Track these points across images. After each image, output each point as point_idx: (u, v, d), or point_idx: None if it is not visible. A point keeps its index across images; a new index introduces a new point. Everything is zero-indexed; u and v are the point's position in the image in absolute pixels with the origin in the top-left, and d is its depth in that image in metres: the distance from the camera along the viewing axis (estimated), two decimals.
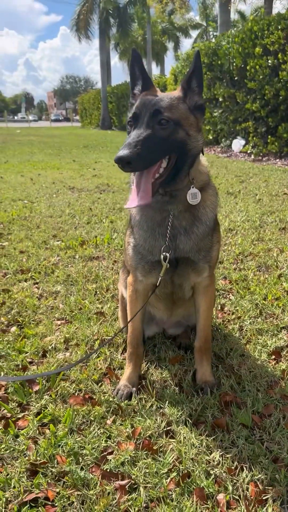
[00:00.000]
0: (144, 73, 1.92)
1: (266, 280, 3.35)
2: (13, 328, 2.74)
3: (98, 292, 3.23)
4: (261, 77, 11.11)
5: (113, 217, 5.43)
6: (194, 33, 48.95)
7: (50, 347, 2.48)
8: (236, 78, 12.59)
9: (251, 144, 12.23)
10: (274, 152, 11.41)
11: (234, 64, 12.42)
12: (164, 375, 2.22)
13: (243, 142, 12.65)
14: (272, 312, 2.85)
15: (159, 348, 2.49)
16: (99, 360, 2.36)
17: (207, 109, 14.17)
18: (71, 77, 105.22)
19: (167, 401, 1.99)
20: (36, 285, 3.42)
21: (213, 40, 15.57)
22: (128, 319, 2.21)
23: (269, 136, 11.38)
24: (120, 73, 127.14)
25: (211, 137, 14.71)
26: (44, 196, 6.90)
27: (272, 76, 10.81)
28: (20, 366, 2.32)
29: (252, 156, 11.87)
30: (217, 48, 13.45)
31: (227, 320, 2.78)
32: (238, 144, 12.73)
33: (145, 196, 1.69)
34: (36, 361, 2.38)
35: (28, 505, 1.50)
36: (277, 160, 11.06)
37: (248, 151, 12.30)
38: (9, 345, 2.50)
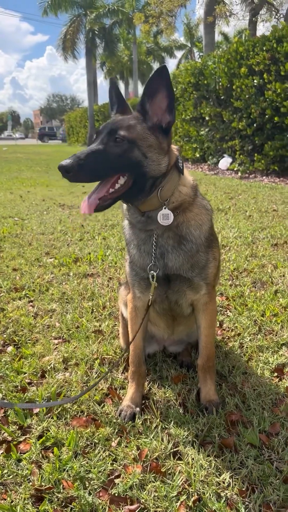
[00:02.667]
0: (120, 97, 1.97)
1: (262, 296, 3.35)
2: (10, 348, 2.68)
3: (94, 310, 3.19)
4: (247, 96, 11.33)
5: (105, 234, 5.42)
6: (179, 53, 49.98)
7: (49, 367, 2.43)
8: (222, 97, 12.82)
9: (238, 162, 12.40)
10: (261, 170, 11.58)
11: (220, 83, 12.65)
12: (167, 395, 2.18)
13: (230, 160, 12.83)
14: (271, 329, 2.84)
15: (160, 366, 2.45)
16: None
17: (194, 128, 14.47)
18: (58, 95, 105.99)
19: (172, 422, 1.96)
20: (31, 303, 3.37)
21: (199, 60, 15.88)
22: (130, 337, 2.19)
23: (256, 154, 11.55)
24: (106, 91, 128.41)
25: (198, 155, 14.89)
26: (34, 213, 6.86)
27: (257, 96, 11.02)
28: (19, 387, 2.26)
29: (239, 174, 12.03)
30: (203, 68, 13.71)
31: (227, 337, 2.76)
32: (225, 162, 12.89)
33: (90, 207, 1.74)
34: (35, 381, 2.32)
35: None
36: (264, 177, 11.22)
37: (235, 169, 12.46)
38: (7, 365, 2.44)
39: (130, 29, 36.74)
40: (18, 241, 5.15)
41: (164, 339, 2.47)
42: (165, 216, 1.88)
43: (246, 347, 2.63)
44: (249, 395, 2.14)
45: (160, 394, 2.19)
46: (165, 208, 1.88)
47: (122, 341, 2.59)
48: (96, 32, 33.05)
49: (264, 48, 10.69)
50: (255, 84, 11.05)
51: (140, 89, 42.30)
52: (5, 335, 2.85)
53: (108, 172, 1.75)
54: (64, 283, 3.79)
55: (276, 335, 2.76)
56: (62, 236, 5.36)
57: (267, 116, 10.74)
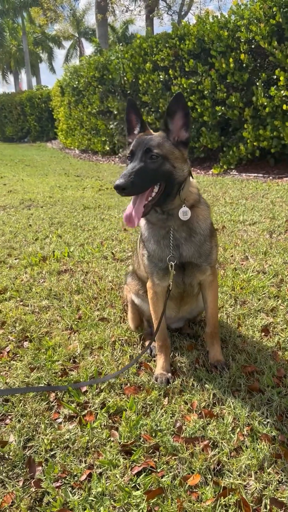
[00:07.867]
0: (141, 118, 2.37)
1: (225, 274, 3.92)
2: (26, 343, 2.92)
3: (88, 302, 3.50)
4: (154, 91, 11.94)
5: (58, 232, 5.62)
6: (67, 44, 49.42)
7: (76, 353, 2.73)
8: (128, 92, 13.30)
9: None
10: None
11: (126, 78, 13.13)
12: (188, 360, 2.63)
13: None
14: (244, 299, 3.41)
15: (173, 340, 2.88)
16: (127, 357, 2.68)
17: (102, 121, 14.80)
18: None
19: (203, 379, 2.41)
20: (22, 302, 3.57)
21: (91, 50, 16.17)
22: (153, 319, 2.59)
23: None
24: None
25: (108, 148, 15.29)
26: None
27: (164, 90, 11.70)
28: (58, 373, 2.55)
29: None
30: (107, 62, 14.06)
31: None
32: None
33: (138, 215, 2.15)
34: (70, 366, 2.62)
35: (144, 474, 1.82)
36: None
37: None
38: (39, 356, 2.69)
39: (14, 19, 35.51)
40: None
41: (171, 317, 2.88)
42: (184, 213, 2.33)
43: (232, 317, 3.15)
44: (251, 351, 2.67)
45: (184, 360, 2.63)
46: (184, 206, 2.32)
47: (132, 324, 2.97)
48: None
49: (167, 45, 11.35)
50: (161, 79, 11.69)
51: (33, 81, 41.22)
52: (15, 333, 3.05)
53: (150, 183, 2.16)
54: (42, 281, 4.01)
55: (250, 304, 3.33)
56: (15, 237, 5.46)
57: None
